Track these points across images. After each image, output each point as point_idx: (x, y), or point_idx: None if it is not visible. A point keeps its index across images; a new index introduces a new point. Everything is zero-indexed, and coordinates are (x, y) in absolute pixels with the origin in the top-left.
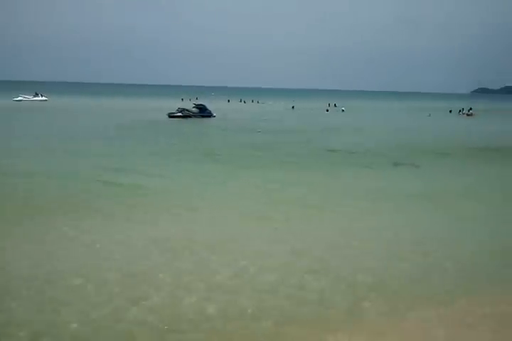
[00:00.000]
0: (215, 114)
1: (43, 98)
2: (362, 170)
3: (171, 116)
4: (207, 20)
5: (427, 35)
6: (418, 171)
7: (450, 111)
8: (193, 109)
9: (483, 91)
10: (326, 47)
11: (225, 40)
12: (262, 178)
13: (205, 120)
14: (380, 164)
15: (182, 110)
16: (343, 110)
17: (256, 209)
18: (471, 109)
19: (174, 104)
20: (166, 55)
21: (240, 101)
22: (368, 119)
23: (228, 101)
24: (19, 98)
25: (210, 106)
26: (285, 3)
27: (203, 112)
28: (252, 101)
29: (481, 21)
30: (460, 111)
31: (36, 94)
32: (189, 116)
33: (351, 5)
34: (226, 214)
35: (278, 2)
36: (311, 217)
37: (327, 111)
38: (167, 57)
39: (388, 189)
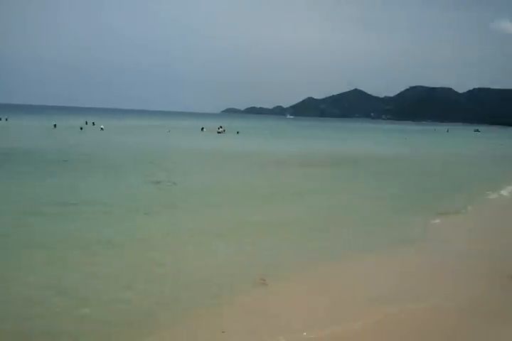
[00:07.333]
0: None
1: None
2: None
3: None
4: None
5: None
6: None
7: (202, 129)
8: None
9: (231, 111)
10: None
11: None
12: None
13: None
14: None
15: None
16: (101, 128)
17: None
18: (221, 127)
19: None
20: None
21: None
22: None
23: None
24: None
25: None
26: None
27: None
28: None
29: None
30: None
31: None
32: None
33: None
34: None
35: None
36: None
37: (81, 129)
38: None
39: None
